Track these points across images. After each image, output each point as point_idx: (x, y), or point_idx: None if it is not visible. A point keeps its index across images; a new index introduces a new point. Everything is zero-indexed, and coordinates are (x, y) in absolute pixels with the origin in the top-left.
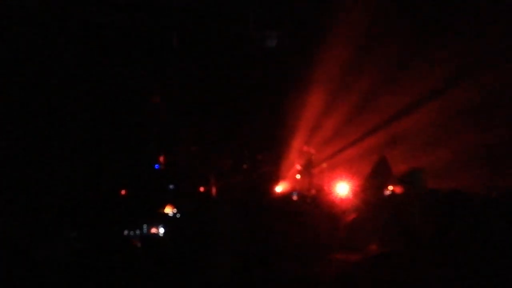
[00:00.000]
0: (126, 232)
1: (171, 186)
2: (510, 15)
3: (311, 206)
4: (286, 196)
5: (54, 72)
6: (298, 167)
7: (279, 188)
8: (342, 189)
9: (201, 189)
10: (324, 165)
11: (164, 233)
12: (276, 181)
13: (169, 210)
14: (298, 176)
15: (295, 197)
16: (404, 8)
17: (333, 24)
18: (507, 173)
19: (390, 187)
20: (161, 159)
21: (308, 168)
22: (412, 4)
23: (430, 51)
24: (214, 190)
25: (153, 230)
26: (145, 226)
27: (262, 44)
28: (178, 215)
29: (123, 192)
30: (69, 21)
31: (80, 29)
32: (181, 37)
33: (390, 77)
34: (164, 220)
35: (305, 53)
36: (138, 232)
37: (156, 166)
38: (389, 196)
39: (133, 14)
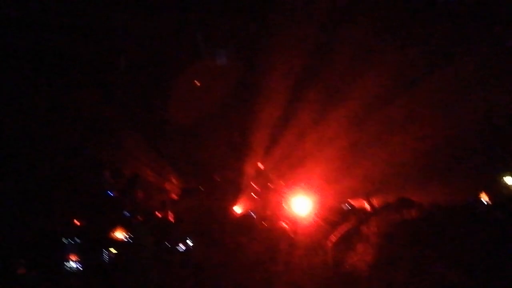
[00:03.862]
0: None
1: (126, 213)
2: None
3: (269, 226)
4: (244, 217)
5: None
6: (254, 185)
7: (237, 208)
8: (300, 206)
9: (158, 214)
10: (281, 182)
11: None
12: (234, 201)
13: (120, 234)
14: (254, 195)
15: (253, 216)
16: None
17: (281, 39)
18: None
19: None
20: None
21: (264, 185)
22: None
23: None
24: (171, 215)
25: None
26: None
27: (212, 62)
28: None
29: (77, 222)
30: None
31: None
32: (131, 58)
33: (339, 90)
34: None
35: (255, 69)
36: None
37: (110, 193)
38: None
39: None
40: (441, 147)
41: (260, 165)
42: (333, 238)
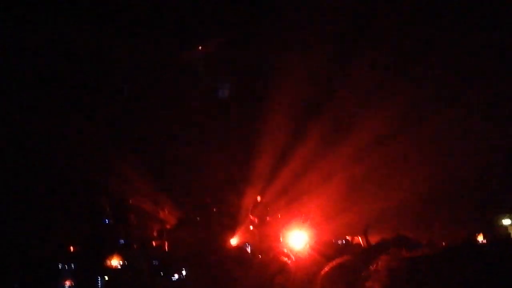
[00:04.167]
0: None
1: (121, 241)
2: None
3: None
4: (239, 249)
5: None
6: (252, 217)
7: (233, 241)
8: (297, 240)
9: (154, 243)
10: (279, 215)
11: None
12: (230, 232)
13: (115, 261)
14: (251, 227)
15: (248, 249)
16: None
17: (283, 74)
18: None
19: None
20: (112, 213)
21: (262, 218)
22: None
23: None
24: (166, 244)
25: None
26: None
27: (214, 95)
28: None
29: (71, 248)
30: None
31: None
32: (133, 89)
33: (340, 128)
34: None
35: (257, 104)
36: None
37: (106, 220)
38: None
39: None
40: (440, 188)
41: (258, 198)
42: (325, 270)
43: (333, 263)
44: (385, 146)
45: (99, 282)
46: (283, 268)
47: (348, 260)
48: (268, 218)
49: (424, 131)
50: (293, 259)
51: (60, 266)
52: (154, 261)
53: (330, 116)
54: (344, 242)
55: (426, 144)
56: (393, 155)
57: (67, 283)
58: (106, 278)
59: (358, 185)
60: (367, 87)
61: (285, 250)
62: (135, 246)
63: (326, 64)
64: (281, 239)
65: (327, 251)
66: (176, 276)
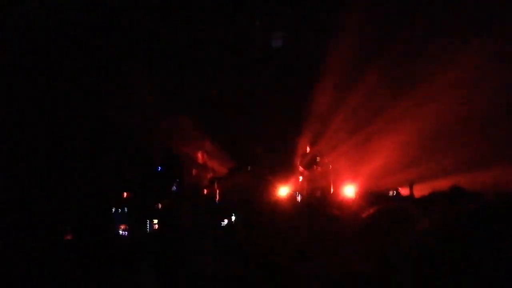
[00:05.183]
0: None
1: (174, 188)
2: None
3: (315, 207)
4: (290, 197)
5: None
6: (301, 168)
7: (283, 190)
8: (347, 190)
9: (205, 191)
10: (330, 166)
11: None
12: (280, 182)
13: (166, 207)
14: (300, 178)
15: (298, 198)
16: (406, 9)
17: (339, 26)
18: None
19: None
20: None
21: (311, 169)
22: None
23: (432, 55)
24: (217, 192)
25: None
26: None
27: (267, 45)
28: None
29: (125, 194)
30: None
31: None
32: (187, 38)
33: (395, 78)
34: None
35: (311, 54)
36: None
37: (159, 168)
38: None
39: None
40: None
41: (308, 148)
42: (368, 213)
43: (377, 207)
44: (449, 103)
45: (149, 225)
46: (333, 218)
47: (394, 206)
48: (318, 169)
49: (491, 90)
50: (343, 210)
51: (113, 211)
52: (204, 207)
53: (393, 69)
54: (395, 193)
55: (492, 102)
56: (460, 111)
57: (122, 227)
58: (155, 221)
59: (416, 138)
60: (435, 42)
61: (335, 201)
62: (186, 193)
63: (394, 14)
64: (331, 190)
65: (377, 201)
66: (226, 221)
